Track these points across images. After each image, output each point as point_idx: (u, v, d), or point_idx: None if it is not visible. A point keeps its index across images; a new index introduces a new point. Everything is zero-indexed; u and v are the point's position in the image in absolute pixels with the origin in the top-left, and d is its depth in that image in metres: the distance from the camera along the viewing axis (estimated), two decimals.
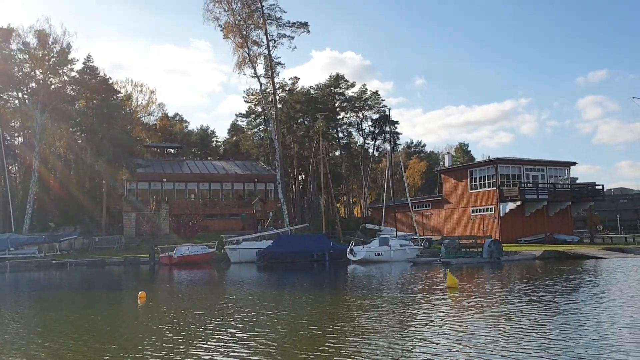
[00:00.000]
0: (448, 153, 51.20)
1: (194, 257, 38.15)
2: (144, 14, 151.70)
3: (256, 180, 59.71)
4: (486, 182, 46.91)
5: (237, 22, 46.93)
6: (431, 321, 11.51)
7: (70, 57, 56.78)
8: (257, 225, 51.54)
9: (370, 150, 71.31)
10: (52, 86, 55.81)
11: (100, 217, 55.51)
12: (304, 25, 49.21)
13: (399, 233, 42.84)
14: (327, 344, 9.39)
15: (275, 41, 48.52)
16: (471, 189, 48.07)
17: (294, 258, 34.41)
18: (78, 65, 57.61)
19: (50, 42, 55.00)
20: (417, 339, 9.79)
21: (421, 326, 11.02)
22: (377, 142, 70.08)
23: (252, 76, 50.30)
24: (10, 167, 58.74)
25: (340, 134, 71.43)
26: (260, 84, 50.29)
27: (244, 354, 8.85)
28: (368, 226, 45.58)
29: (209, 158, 75.62)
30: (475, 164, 49.16)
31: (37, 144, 51.35)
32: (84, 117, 58.72)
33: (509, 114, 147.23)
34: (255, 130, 71.95)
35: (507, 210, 44.85)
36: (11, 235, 44.19)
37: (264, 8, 47.88)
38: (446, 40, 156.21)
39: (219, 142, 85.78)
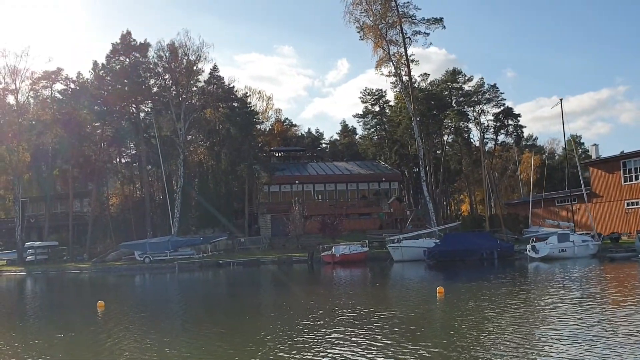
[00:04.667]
0: (595, 145, 48.88)
1: (354, 255, 38.75)
2: (227, 25, 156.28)
3: (383, 179, 59.83)
4: None
5: (375, 22, 47.19)
6: None
7: (197, 67, 58.72)
8: (394, 224, 51.60)
9: (490, 145, 69.69)
10: (184, 95, 58.17)
11: (236, 219, 57.74)
12: (438, 21, 48.73)
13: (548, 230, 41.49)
14: None
15: (410, 39, 48.37)
16: (625, 181, 45.75)
17: (463, 257, 34.09)
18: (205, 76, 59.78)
19: (180, 55, 56.82)
20: None
21: None
22: (499, 137, 68.33)
23: (386, 75, 50.57)
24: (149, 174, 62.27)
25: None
26: (402, 81, 50.29)
27: None
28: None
29: (313, 160, 76.54)
30: (629, 155, 46.73)
31: (181, 151, 54.04)
32: (213, 124, 61.35)
33: (607, 103, 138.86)
34: (373, 130, 72.15)
35: None
36: (171, 238, 46.84)
37: (398, 7, 47.84)
38: (536, 29, 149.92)
39: (326, 144, 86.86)
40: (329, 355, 9.97)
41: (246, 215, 54.15)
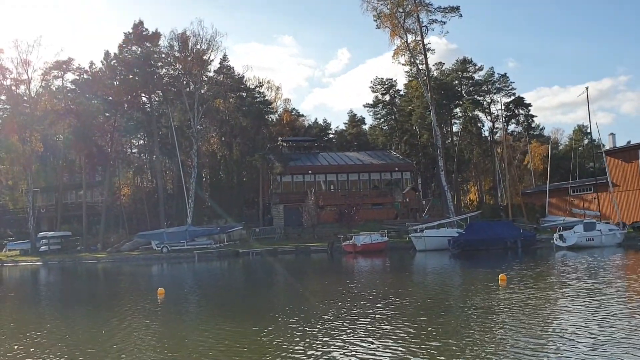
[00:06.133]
0: (612, 134, 48.88)
1: (375, 245, 38.73)
2: (226, 14, 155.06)
3: (396, 169, 59.62)
4: None
5: (392, 10, 46.93)
6: None
7: (209, 56, 57.97)
8: (410, 213, 51.57)
9: (500, 134, 69.60)
10: (197, 85, 57.63)
11: (247, 209, 57.64)
12: (455, 9, 48.51)
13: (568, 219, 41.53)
14: None
15: (426, 27, 48.15)
16: None
17: (488, 246, 34.17)
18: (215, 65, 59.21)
19: (191, 44, 56.08)
20: None
21: None
22: (509, 127, 68.32)
23: (403, 64, 50.44)
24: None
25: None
26: (419, 70, 50.12)
27: None
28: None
29: (322, 150, 76.13)
30: None
31: (195, 142, 53.73)
32: (224, 114, 61.01)
33: (608, 93, 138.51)
34: (383, 120, 71.95)
35: None
36: (189, 228, 46.77)
37: None
38: (537, 18, 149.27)
39: (334, 134, 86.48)
40: (432, 348, 9.85)
41: (260, 205, 54.01)
